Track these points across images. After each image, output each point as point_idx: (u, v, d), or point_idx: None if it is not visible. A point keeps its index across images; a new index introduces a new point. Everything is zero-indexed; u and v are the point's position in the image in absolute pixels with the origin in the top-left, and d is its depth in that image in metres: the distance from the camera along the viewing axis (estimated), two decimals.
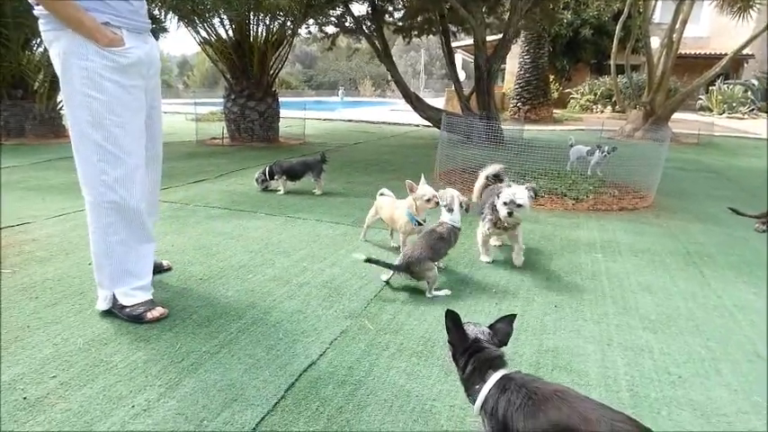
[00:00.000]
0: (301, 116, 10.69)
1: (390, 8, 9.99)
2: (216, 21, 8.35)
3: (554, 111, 16.95)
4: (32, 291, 2.42)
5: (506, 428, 1.17)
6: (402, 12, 10.07)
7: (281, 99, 9.46)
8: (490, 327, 1.42)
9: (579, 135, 9.59)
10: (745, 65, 22.08)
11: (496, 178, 3.37)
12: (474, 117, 8.04)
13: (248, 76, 8.80)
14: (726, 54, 10.87)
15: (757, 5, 10.59)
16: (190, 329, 2.11)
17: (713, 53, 19.68)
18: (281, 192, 4.82)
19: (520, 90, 16.09)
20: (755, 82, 20.00)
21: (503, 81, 21.97)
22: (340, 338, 2.09)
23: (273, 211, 4.14)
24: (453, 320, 1.38)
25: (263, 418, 1.57)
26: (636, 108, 11.96)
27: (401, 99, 10.29)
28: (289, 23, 8.86)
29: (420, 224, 2.93)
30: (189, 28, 8.47)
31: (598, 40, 19.94)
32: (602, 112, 19.70)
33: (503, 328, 1.42)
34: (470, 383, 1.32)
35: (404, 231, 2.99)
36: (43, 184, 4.87)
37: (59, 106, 8.56)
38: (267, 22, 8.59)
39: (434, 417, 1.61)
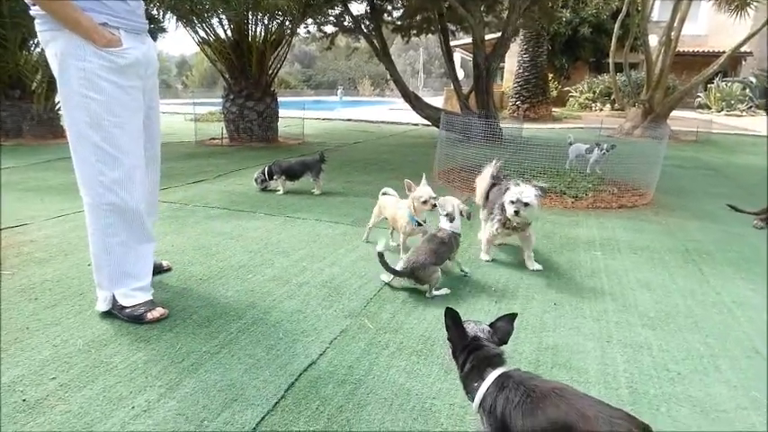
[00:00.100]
0: (300, 116, 10.69)
1: (389, 7, 9.98)
2: (214, 21, 8.35)
3: (553, 109, 16.96)
4: (31, 292, 2.43)
5: (505, 426, 1.17)
6: (401, 11, 10.07)
7: (279, 99, 9.46)
8: (491, 325, 1.43)
9: (578, 133, 9.59)
10: (744, 62, 22.10)
11: (496, 178, 3.30)
12: (473, 116, 8.03)
13: (247, 75, 8.80)
14: (724, 52, 10.88)
15: (755, 3, 10.60)
16: (190, 330, 2.11)
17: (711, 51, 19.70)
18: (281, 192, 4.82)
19: (519, 88, 16.08)
20: (753, 79, 20.01)
21: (502, 80, 21.96)
22: (340, 338, 2.09)
23: (273, 211, 4.15)
24: (453, 318, 1.38)
25: (263, 418, 1.57)
26: (635, 106, 11.97)
27: (400, 98, 10.29)
28: (287, 23, 8.85)
29: (420, 224, 2.91)
30: (187, 28, 8.47)
31: (597, 38, 19.95)
32: (601, 110, 19.71)
33: (503, 327, 1.42)
34: (469, 381, 1.32)
35: (404, 232, 2.98)
36: (42, 185, 4.87)
37: (57, 107, 8.54)
38: (266, 22, 8.59)
39: (434, 415, 1.62)
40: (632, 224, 4.02)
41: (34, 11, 1.92)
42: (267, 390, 1.71)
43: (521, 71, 15.97)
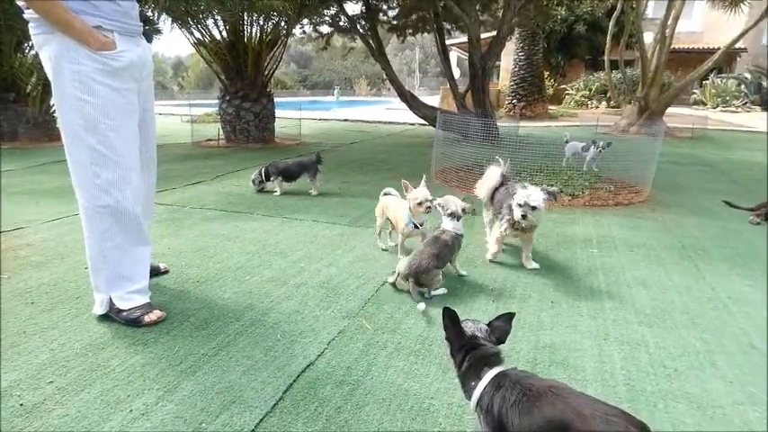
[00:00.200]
0: (297, 116, 10.68)
1: (384, 7, 9.98)
2: (210, 22, 8.33)
3: (549, 107, 16.97)
4: (28, 296, 2.42)
5: (501, 425, 1.18)
6: (396, 10, 10.07)
7: (276, 99, 9.45)
8: (488, 324, 1.43)
9: (574, 131, 9.62)
10: (738, 59, 22.17)
11: (504, 178, 3.23)
12: (469, 115, 8.04)
13: (243, 76, 8.78)
14: (719, 48, 10.91)
15: (748, 0, 10.63)
16: (188, 332, 2.11)
17: (706, 48, 19.74)
18: (278, 193, 4.82)
19: (515, 87, 16.10)
20: (748, 75, 20.09)
21: (498, 78, 21.98)
22: (338, 339, 2.09)
23: (270, 212, 4.14)
24: (450, 318, 1.38)
25: (261, 420, 1.57)
26: (630, 103, 12.00)
27: (396, 98, 10.28)
28: (283, 23, 8.84)
29: (417, 227, 2.86)
30: (183, 29, 8.45)
31: (592, 36, 19.99)
32: (597, 107, 19.76)
33: (501, 326, 1.43)
34: (467, 380, 1.33)
35: (402, 233, 2.97)
36: (37, 188, 4.86)
37: (52, 110, 8.51)
38: (261, 23, 8.58)
39: (432, 415, 1.62)
40: (629, 221, 4.04)
41: (28, 14, 1.91)
42: (265, 391, 1.71)
43: (517, 69, 15.99)
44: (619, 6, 11.84)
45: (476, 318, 1.51)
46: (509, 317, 1.44)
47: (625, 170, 5.32)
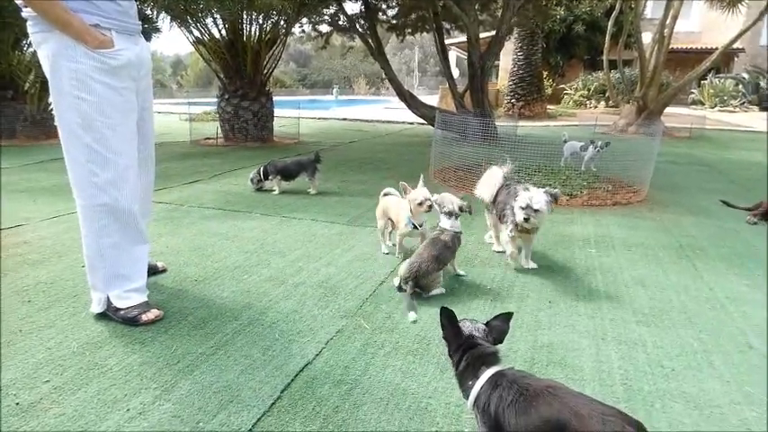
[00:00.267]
0: (296, 115, 10.67)
1: (384, 6, 9.97)
2: (209, 20, 8.32)
3: (548, 107, 16.98)
4: (25, 294, 2.41)
5: (498, 425, 1.18)
6: (395, 10, 10.06)
7: (275, 98, 9.44)
8: (486, 324, 1.43)
9: (573, 131, 9.62)
10: (736, 59, 22.21)
11: (506, 179, 3.17)
12: (468, 114, 8.05)
13: (242, 75, 8.77)
14: (716, 48, 10.93)
15: (746, 1, 10.65)
16: (185, 331, 2.10)
17: (704, 48, 19.79)
18: (276, 192, 4.81)
19: (514, 86, 16.10)
20: (746, 75, 20.14)
21: (496, 78, 21.99)
22: (336, 338, 2.09)
23: (268, 211, 4.14)
24: (448, 317, 1.38)
25: (259, 419, 1.57)
26: (629, 103, 12.01)
27: (395, 97, 10.28)
28: (282, 22, 8.83)
29: (416, 227, 2.84)
30: (182, 28, 8.43)
31: (591, 35, 20.01)
32: (596, 107, 19.78)
33: (499, 326, 1.42)
34: (464, 379, 1.33)
35: (401, 233, 2.96)
36: (35, 186, 4.84)
37: (50, 107, 8.45)
38: (260, 22, 8.56)
39: (430, 414, 1.62)
40: (627, 221, 4.04)
41: (26, 12, 1.91)
42: (263, 391, 1.71)
43: (515, 69, 15.99)
44: (617, 6, 11.86)
45: (473, 317, 1.51)
46: (507, 317, 1.44)
47: (623, 170, 5.33)
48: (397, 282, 2.60)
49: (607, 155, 5.78)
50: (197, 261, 2.94)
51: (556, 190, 2.79)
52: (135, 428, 1.52)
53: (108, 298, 2.16)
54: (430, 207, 2.75)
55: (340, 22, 9.83)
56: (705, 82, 19.77)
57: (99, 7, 1.94)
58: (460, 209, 2.68)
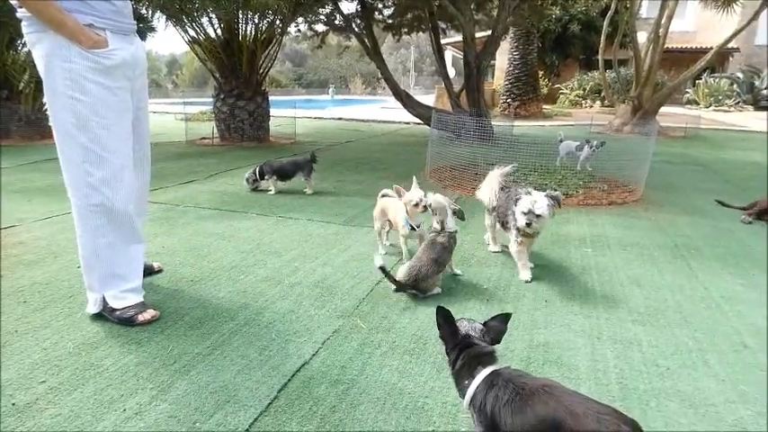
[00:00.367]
0: (292, 115, 10.65)
1: (380, 6, 9.97)
2: (204, 20, 8.29)
3: (543, 106, 17.02)
4: (20, 295, 2.40)
5: (494, 424, 1.18)
6: (391, 9, 10.06)
7: (271, 98, 9.42)
8: (484, 324, 1.44)
9: (568, 130, 9.64)
10: (731, 58, 22.34)
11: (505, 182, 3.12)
12: (464, 114, 8.06)
13: (237, 75, 8.75)
14: (711, 48, 10.98)
15: (740, 1, 10.71)
16: (182, 331, 2.10)
17: (699, 47, 19.88)
18: (272, 192, 4.80)
19: (509, 86, 16.13)
20: (741, 75, 20.26)
21: (492, 77, 22.02)
22: (332, 338, 2.09)
23: (264, 211, 4.13)
24: (444, 316, 1.39)
25: (256, 419, 1.57)
26: (624, 102, 12.05)
27: (391, 97, 10.28)
28: (278, 22, 8.81)
29: (413, 229, 2.82)
30: (177, 27, 8.40)
31: (586, 35, 20.04)
32: (591, 106, 19.82)
33: (496, 326, 1.43)
34: (460, 379, 1.33)
35: (402, 235, 2.94)
36: (29, 186, 4.82)
37: (45, 107, 8.40)
38: (256, 21, 8.54)
39: (427, 414, 1.63)
40: (622, 221, 4.06)
41: (21, 13, 1.90)
42: (260, 391, 1.71)
43: (511, 69, 16.02)
44: (613, 6, 11.88)
45: (470, 317, 1.52)
46: (505, 317, 1.44)
47: (619, 169, 5.35)
48: (378, 262, 2.49)
49: (602, 154, 5.80)
50: (193, 261, 2.93)
51: (557, 192, 2.75)
52: (131, 429, 1.52)
53: (104, 298, 2.15)
54: (425, 208, 2.74)
55: (336, 22, 9.82)
56: (700, 81, 19.87)
57: (93, 7, 1.93)
58: (453, 212, 2.69)
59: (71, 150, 2.00)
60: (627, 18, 11.45)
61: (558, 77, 22.01)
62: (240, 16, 8.29)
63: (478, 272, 2.88)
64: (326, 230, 3.61)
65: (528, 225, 2.62)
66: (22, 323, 2.13)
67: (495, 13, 9.33)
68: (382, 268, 2.47)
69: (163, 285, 2.58)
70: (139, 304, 2.19)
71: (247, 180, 4.86)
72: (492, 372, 1.27)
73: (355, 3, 9.55)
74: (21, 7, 1.88)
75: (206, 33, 8.51)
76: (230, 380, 1.77)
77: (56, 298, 2.38)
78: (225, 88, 8.80)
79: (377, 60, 9.44)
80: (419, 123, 10.37)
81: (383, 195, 3.19)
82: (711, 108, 19.12)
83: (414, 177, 2.93)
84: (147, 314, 2.16)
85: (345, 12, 9.57)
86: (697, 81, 19.68)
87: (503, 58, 18.49)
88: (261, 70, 9.12)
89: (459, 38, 11.37)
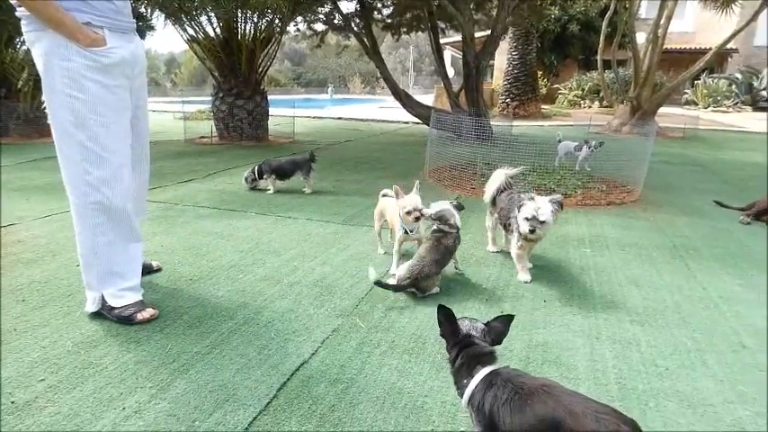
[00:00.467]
0: (291, 114, 10.64)
1: (379, 5, 9.96)
2: (203, 18, 8.28)
3: (542, 106, 17.04)
4: (19, 293, 2.40)
5: (493, 423, 1.19)
6: (391, 9, 10.05)
7: (270, 97, 9.41)
8: (486, 324, 1.44)
9: (567, 130, 9.66)
10: (730, 59, 22.38)
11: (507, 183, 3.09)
12: (463, 114, 8.06)
13: (236, 74, 8.74)
14: (710, 49, 11.00)
15: (739, 1, 10.73)
16: (181, 330, 2.10)
17: (698, 48, 19.93)
18: (271, 191, 4.80)
19: (508, 86, 16.14)
20: (739, 76, 20.29)
21: (491, 77, 22.03)
22: (331, 337, 2.09)
23: (263, 210, 4.13)
24: (445, 315, 1.39)
25: (255, 418, 1.57)
26: (623, 103, 12.07)
27: (390, 96, 10.27)
28: (277, 21, 8.80)
29: (407, 233, 2.76)
30: (176, 26, 8.39)
31: (585, 35, 20.07)
32: (590, 107, 19.84)
33: (498, 327, 1.43)
34: (459, 377, 1.33)
35: (398, 239, 2.87)
36: (28, 185, 4.81)
37: (44, 106, 8.40)
38: (255, 20, 8.53)
39: (426, 413, 1.63)
40: (621, 221, 4.07)
41: (20, 12, 1.90)
42: (259, 390, 1.71)
43: (510, 69, 16.03)
44: (612, 6, 11.90)
45: (469, 316, 1.52)
46: (507, 319, 1.44)
47: (617, 170, 5.35)
48: (372, 276, 2.42)
49: (601, 155, 5.80)
50: (192, 260, 2.93)
51: (559, 196, 2.72)
52: (130, 427, 1.52)
53: (103, 297, 2.15)
54: (418, 218, 2.64)
55: (335, 21, 9.82)
56: (699, 82, 19.90)
57: (92, 6, 1.93)
58: (456, 207, 2.68)
59: (70, 149, 1.99)
60: (626, 18, 11.46)
61: (556, 77, 22.03)
62: (239, 15, 8.28)
63: (477, 271, 2.88)
64: (325, 230, 3.61)
65: (531, 231, 2.58)
66: (21, 321, 2.12)
67: (494, 13, 9.33)
68: (378, 282, 2.42)
69: (162, 284, 2.58)
70: (138, 303, 2.18)
71: (246, 179, 4.86)
72: (491, 371, 1.28)
73: (354, 2, 9.55)
74: (20, 6, 1.87)
75: (205, 32, 8.49)
76: (229, 379, 1.77)
77: (55, 296, 2.38)
78: (224, 87, 8.79)
79: (376, 60, 9.43)
80: (418, 123, 10.36)
81: (383, 195, 3.17)
82: (710, 109, 19.16)
83: (417, 182, 2.82)
84: (146, 313, 2.16)
85: (344, 11, 9.57)
86: (696, 82, 19.72)
87: (502, 57, 18.51)
88: (260, 69, 9.11)
89: (458, 38, 11.37)
